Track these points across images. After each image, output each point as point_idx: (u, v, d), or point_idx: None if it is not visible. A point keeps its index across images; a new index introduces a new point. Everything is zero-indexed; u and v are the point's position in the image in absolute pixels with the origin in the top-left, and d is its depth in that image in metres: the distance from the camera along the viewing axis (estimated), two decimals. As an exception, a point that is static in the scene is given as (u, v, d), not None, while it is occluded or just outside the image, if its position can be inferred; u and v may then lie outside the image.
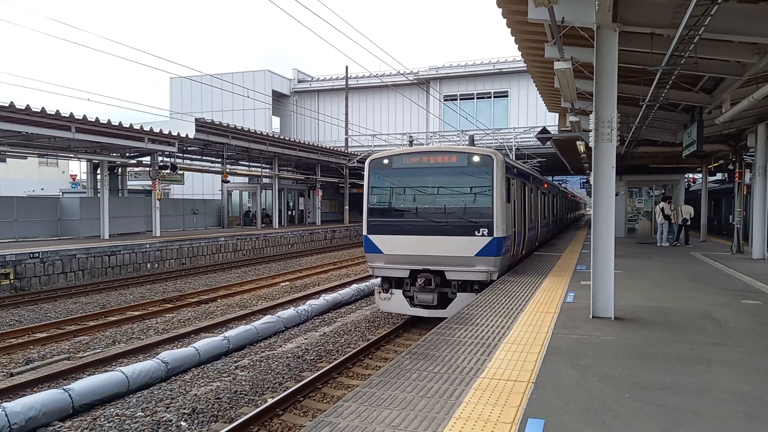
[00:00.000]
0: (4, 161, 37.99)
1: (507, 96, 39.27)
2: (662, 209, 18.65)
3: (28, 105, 15.34)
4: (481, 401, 4.22)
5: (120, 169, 26.53)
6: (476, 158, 10.33)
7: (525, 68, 13.16)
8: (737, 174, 16.78)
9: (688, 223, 18.85)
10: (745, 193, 17.04)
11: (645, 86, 10.11)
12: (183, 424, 6.37)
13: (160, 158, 23.46)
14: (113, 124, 18.23)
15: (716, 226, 25.88)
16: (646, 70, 8.83)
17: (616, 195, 8.71)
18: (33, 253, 15.59)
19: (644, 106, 11.06)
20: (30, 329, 10.80)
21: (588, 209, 65.18)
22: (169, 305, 13.26)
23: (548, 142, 24.05)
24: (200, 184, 39.94)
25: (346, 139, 37.18)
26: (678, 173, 24.22)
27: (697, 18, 6.02)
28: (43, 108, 15.78)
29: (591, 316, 7.03)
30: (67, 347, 9.68)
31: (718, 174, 30.89)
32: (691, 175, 33.91)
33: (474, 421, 3.84)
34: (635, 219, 24.18)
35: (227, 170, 27.09)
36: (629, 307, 7.64)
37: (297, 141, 30.20)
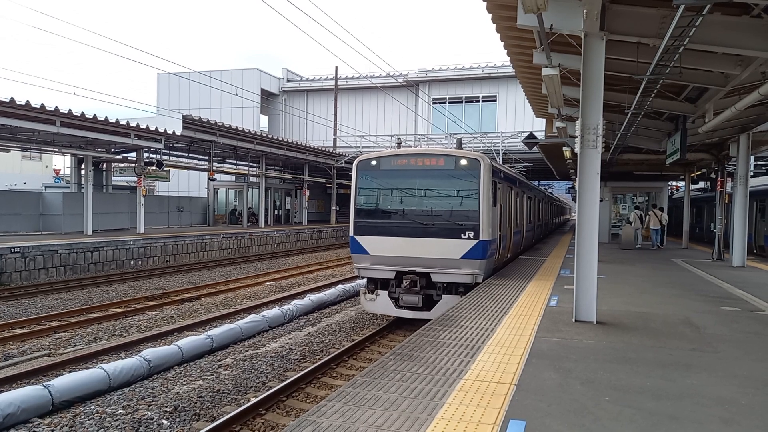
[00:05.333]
0: (-14, 154, 37.33)
1: (495, 100, 39.50)
2: (640, 216, 20.69)
3: (12, 98, 15.13)
4: (464, 402, 4.26)
5: (105, 165, 26.22)
6: (464, 161, 10.39)
7: (513, 73, 13.27)
8: (719, 183, 17.06)
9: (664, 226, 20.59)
10: (726, 201, 17.33)
11: (630, 94, 10.26)
12: (165, 422, 6.33)
13: (146, 154, 23.23)
14: (99, 119, 18.04)
15: (698, 233, 26.29)
16: (632, 79, 8.96)
17: (601, 201, 8.83)
18: (14, 247, 15.36)
19: (629, 113, 11.22)
20: (9, 324, 10.63)
21: (573, 214, 65.78)
22: (153, 303, 13.14)
23: (535, 147, 24.27)
24: (186, 182, 39.62)
25: (335, 140, 37.14)
26: (662, 181, 24.57)
27: (682, 29, 6.14)
28: (27, 101, 15.57)
29: (574, 320, 7.11)
30: (47, 343, 9.55)
31: (700, 182, 31.37)
32: (674, 183, 34.38)
33: (456, 422, 3.87)
34: (619, 225, 24.51)
35: (214, 168, 26.92)
36: (611, 312, 7.74)
37: (285, 140, 30.09)
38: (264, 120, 45.25)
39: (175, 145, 25.94)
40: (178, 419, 6.43)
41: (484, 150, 28.56)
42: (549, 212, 30.48)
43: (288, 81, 45.49)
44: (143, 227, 22.32)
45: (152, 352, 8.07)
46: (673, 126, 13.72)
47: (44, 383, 6.61)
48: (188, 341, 8.84)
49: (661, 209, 21.40)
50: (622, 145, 15.93)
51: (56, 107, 16.55)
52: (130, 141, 20.55)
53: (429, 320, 7.63)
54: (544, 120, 19.93)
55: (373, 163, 10.95)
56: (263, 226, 30.36)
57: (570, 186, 41.60)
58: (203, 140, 24.31)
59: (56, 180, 40.90)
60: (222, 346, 9.36)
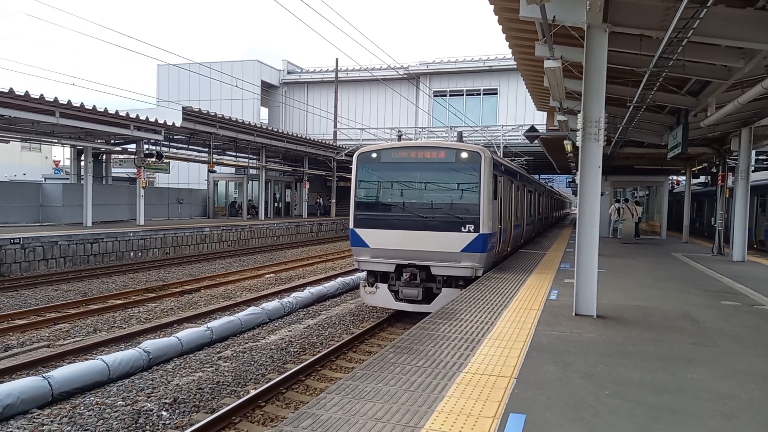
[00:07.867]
0: (-15, 145, 37.24)
1: (496, 93, 39.37)
2: (618, 209, 21.88)
3: (11, 88, 15.06)
4: (464, 395, 4.25)
5: (104, 156, 26.17)
6: (464, 154, 10.36)
7: (515, 66, 13.20)
8: (720, 177, 17.01)
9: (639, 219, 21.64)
10: (727, 196, 17.29)
11: (633, 87, 10.20)
12: (164, 413, 6.34)
13: (145, 146, 23.18)
14: (98, 110, 17.97)
15: (698, 227, 26.27)
16: (635, 72, 8.90)
17: (602, 195, 8.80)
18: (14, 238, 15.34)
19: (631, 107, 11.16)
20: (9, 316, 10.64)
21: (573, 208, 65.75)
22: (152, 294, 13.14)
23: (536, 141, 24.23)
24: (186, 174, 39.54)
25: (335, 132, 37.03)
26: (662, 175, 24.48)
27: (686, 21, 6.08)
28: (26, 92, 15.49)
29: (574, 314, 7.10)
30: (47, 335, 9.56)
31: (701, 177, 31.30)
32: (675, 177, 34.31)
33: (456, 415, 3.87)
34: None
35: (214, 160, 26.85)
36: (611, 306, 7.73)
37: (285, 132, 30.02)
38: (264, 112, 45.10)
39: (175, 137, 25.88)
40: (177, 411, 6.44)
41: (485, 143, 28.48)
42: (549, 206, 30.46)
43: (288, 73, 45.30)
44: (143, 219, 22.28)
45: (152, 344, 8.07)
46: (674, 120, 13.66)
47: (44, 374, 6.62)
48: (188, 333, 8.84)
49: (637, 203, 22.42)
50: (624, 138, 15.87)
51: (56, 98, 16.48)
52: (129, 132, 20.47)
53: (429, 313, 7.62)
54: (545, 113, 19.89)
55: (374, 155, 10.91)
56: (263, 218, 30.33)
57: (570, 180, 41.56)
58: (203, 132, 24.23)
59: (56, 171, 40.85)
60: (222, 338, 9.37)
